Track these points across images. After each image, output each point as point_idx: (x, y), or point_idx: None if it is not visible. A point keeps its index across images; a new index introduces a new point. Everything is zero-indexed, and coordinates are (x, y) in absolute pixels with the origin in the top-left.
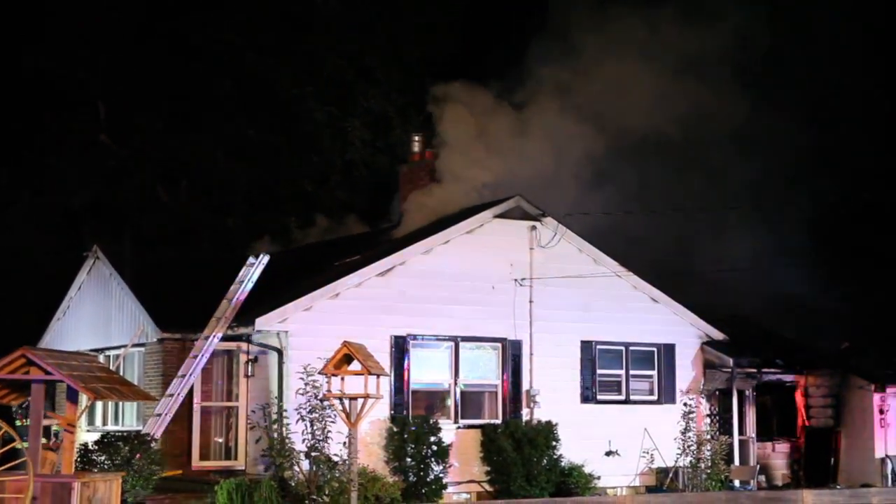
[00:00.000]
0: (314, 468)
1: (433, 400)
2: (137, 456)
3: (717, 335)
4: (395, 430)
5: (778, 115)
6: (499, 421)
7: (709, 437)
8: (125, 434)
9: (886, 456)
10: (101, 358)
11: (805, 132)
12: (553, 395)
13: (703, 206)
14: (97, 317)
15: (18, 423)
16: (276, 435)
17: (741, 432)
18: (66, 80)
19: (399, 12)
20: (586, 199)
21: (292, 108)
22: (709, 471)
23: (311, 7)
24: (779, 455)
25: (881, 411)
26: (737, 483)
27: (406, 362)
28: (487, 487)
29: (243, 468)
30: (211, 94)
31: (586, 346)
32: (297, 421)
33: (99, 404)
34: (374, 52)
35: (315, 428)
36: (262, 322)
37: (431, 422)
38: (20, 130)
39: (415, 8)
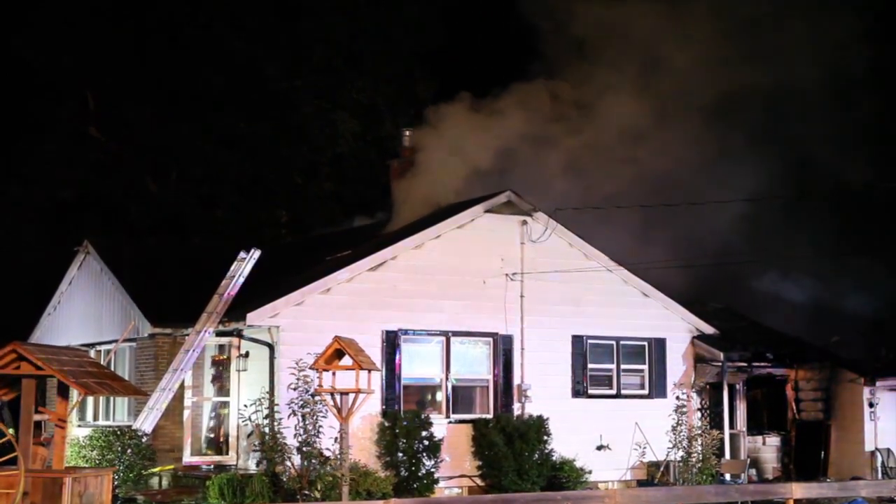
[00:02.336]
0: (306, 463)
1: (424, 395)
2: (128, 451)
3: (708, 329)
4: (386, 424)
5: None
6: (490, 415)
7: (700, 431)
8: (116, 429)
9: (876, 449)
10: (92, 353)
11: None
12: (544, 389)
13: (696, 201)
14: (88, 312)
15: None
16: (267, 430)
17: (732, 426)
18: (53, 72)
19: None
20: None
21: (282, 99)
22: (700, 464)
23: None
24: (769, 448)
25: (871, 404)
26: (727, 477)
27: (397, 357)
28: (479, 482)
29: (235, 463)
30: (200, 84)
31: (577, 341)
32: (289, 416)
33: (90, 399)
34: (363, 38)
35: (307, 423)
36: (253, 317)
37: (423, 416)
38: (7, 121)
39: None
